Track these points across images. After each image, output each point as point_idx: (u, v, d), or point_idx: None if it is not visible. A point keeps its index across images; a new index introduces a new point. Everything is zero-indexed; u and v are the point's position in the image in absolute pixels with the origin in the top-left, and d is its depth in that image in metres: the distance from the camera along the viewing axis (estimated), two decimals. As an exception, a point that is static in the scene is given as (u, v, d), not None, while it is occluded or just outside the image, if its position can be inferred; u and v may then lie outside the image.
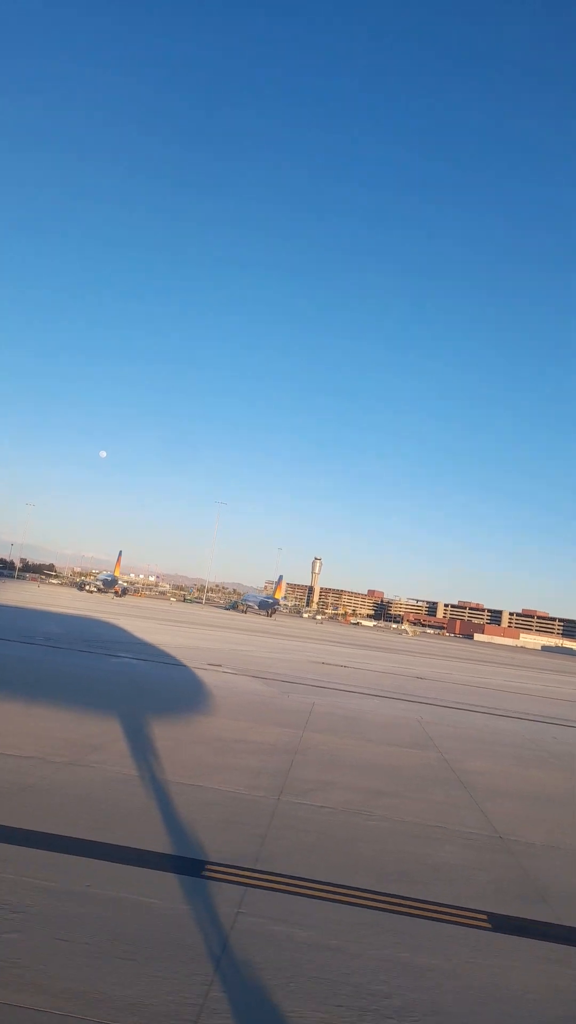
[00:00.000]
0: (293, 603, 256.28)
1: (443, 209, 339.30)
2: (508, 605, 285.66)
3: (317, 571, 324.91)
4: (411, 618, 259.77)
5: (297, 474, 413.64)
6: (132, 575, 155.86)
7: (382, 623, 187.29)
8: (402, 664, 39.31)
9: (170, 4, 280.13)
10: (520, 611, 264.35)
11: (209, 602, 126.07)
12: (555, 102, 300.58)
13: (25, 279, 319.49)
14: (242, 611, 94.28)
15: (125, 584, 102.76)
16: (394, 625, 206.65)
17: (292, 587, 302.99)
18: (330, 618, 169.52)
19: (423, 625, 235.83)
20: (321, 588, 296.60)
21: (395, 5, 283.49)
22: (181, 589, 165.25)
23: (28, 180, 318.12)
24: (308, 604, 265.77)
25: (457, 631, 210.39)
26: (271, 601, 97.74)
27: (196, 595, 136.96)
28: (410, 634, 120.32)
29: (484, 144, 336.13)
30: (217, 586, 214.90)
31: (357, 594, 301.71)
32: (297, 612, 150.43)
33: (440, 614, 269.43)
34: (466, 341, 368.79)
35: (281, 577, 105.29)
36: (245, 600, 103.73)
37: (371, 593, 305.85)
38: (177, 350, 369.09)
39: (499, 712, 21.68)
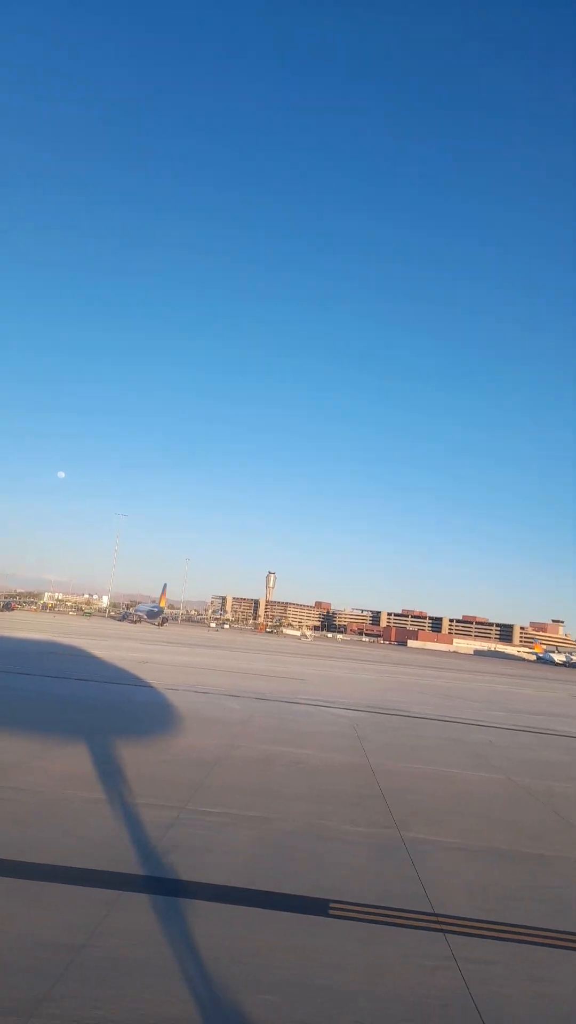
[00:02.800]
0: (236, 616, 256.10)
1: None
2: (450, 612, 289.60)
3: (271, 585, 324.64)
4: (354, 628, 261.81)
5: (252, 490, 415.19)
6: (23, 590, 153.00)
7: (315, 632, 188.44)
8: (203, 656, 40.14)
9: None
10: (461, 617, 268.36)
11: (112, 616, 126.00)
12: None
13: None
14: (133, 621, 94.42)
15: (7, 600, 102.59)
16: (328, 634, 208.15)
17: (239, 601, 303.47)
18: (254, 627, 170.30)
19: (364, 634, 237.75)
20: (267, 602, 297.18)
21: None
22: (115, 607, 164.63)
23: None
24: (255, 617, 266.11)
25: (393, 639, 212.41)
26: (157, 610, 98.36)
27: (96, 608, 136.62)
28: (309, 638, 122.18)
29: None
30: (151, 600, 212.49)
31: (304, 606, 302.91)
32: (220, 623, 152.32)
33: (384, 623, 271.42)
34: (405, 349, 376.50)
35: (165, 585, 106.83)
36: (137, 611, 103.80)
37: (318, 605, 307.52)
38: (136, 375, 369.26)
39: (157, 685, 22.64)
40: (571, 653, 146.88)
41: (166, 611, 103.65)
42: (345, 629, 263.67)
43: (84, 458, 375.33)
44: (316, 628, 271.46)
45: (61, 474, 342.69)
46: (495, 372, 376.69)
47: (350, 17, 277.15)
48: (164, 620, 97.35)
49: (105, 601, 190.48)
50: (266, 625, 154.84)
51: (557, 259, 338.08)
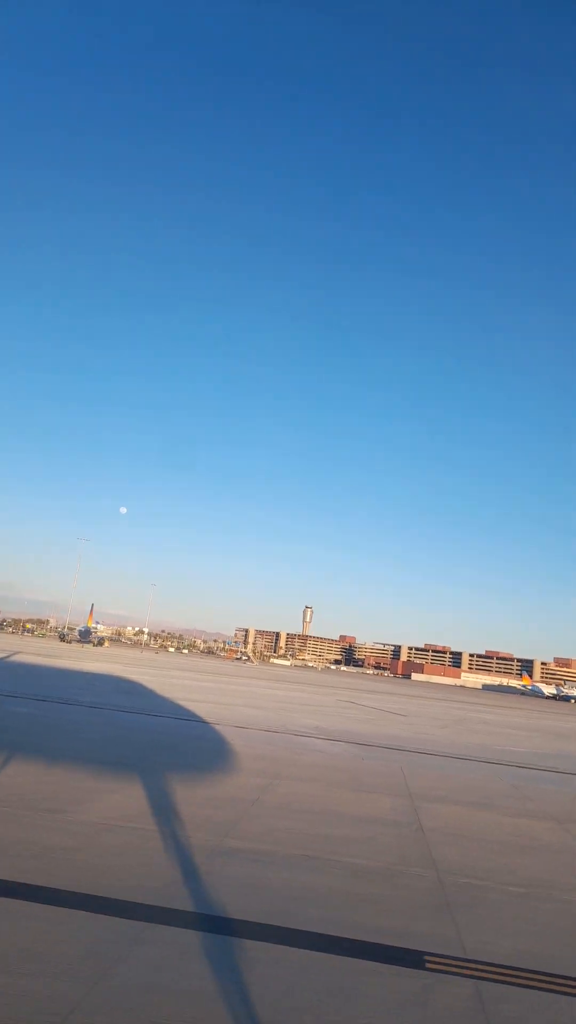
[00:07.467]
0: (256, 649, 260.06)
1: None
2: (475, 648, 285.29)
3: (308, 620, 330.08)
4: (372, 661, 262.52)
5: (287, 530, 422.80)
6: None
7: (335, 665, 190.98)
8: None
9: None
10: (484, 652, 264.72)
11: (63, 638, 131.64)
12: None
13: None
14: (68, 641, 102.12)
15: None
16: (332, 666, 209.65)
17: (261, 634, 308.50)
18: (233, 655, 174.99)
19: (377, 668, 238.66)
20: (290, 635, 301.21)
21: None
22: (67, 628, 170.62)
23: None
24: (275, 650, 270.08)
25: (399, 672, 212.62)
26: (85, 630, 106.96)
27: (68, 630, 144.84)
28: (254, 663, 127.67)
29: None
30: (163, 632, 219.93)
31: (328, 640, 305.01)
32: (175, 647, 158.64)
33: (404, 657, 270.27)
34: (433, 379, 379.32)
35: (92, 605, 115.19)
36: (77, 632, 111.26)
37: (342, 639, 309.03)
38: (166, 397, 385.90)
39: None
40: (561, 687, 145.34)
41: (96, 630, 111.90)
42: (363, 663, 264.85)
43: (135, 490, 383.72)
44: (336, 661, 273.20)
45: (123, 509, 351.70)
46: (520, 408, 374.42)
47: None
48: (100, 641, 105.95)
49: (146, 632, 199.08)
50: (234, 653, 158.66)
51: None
